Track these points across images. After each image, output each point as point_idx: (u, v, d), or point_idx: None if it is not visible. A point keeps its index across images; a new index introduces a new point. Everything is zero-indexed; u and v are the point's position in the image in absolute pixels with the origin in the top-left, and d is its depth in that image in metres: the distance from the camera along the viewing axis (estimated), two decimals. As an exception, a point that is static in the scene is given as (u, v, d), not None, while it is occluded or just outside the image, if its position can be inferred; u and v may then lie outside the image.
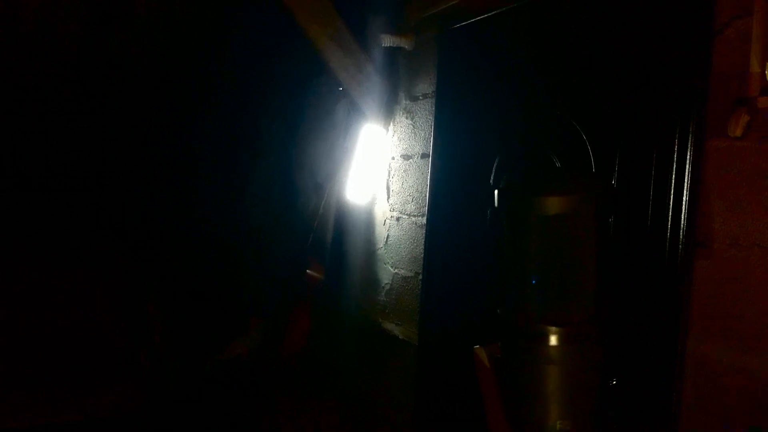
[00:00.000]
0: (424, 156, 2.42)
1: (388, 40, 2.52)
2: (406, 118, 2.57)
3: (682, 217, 1.45)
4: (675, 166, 1.47)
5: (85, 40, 3.07)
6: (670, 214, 1.47)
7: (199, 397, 2.88)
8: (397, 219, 2.59)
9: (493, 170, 2.02)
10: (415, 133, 2.51)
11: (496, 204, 1.48)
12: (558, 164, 1.74)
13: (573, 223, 1.33)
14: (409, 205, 2.52)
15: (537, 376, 1.34)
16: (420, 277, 2.41)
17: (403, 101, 2.60)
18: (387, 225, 2.66)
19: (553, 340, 1.32)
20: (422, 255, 2.39)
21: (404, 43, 2.52)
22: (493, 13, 2.09)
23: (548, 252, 1.35)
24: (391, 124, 2.67)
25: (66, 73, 3.25)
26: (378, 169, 2.73)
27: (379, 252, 2.71)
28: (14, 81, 3.18)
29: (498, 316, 1.47)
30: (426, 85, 2.45)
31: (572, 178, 1.56)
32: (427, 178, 2.37)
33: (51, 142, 3.36)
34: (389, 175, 2.67)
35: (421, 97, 2.48)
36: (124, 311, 3.38)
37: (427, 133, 2.41)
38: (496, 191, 1.49)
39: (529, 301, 1.38)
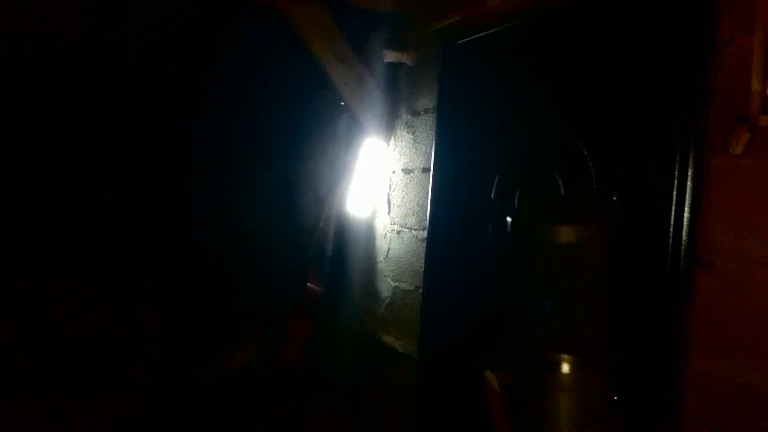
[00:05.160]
0: (425, 170, 2.43)
1: (389, 56, 2.54)
2: (408, 132, 2.58)
3: (684, 234, 1.46)
4: (676, 182, 1.48)
5: (86, 40, 3.08)
6: (672, 231, 1.48)
7: (196, 407, 2.86)
8: (398, 232, 2.60)
9: (494, 185, 2.03)
10: (416, 148, 2.52)
11: (509, 231, 1.50)
12: (560, 181, 1.75)
13: (585, 251, 1.35)
14: (410, 219, 2.52)
15: (549, 403, 1.36)
16: (420, 290, 2.41)
17: (404, 116, 2.61)
18: (388, 238, 2.67)
19: (566, 368, 1.33)
20: (423, 269, 2.40)
21: (406, 59, 2.55)
22: (493, 30, 2.11)
23: (561, 280, 1.37)
24: (393, 138, 2.68)
25: (66, 73, 3.25)
26: (379, 182, 2.74)
27: (380, 265, 2.72)
28: (14, 77, 3.17)
29: (506, 341, 1.48)
30: (427, 100, 2.47)
31: (584, 206, 1.58)
32: (427, 192, 2.38)
33: (49, 142, 3.34)
34: (390, 189, 2.68)
35: (422, 112, 2.50)
36: (120, 318, 3.35)
37: (428, 148, 2.42)
38: (509, 219, 1.51)
39: (541, 328, 1.39)
